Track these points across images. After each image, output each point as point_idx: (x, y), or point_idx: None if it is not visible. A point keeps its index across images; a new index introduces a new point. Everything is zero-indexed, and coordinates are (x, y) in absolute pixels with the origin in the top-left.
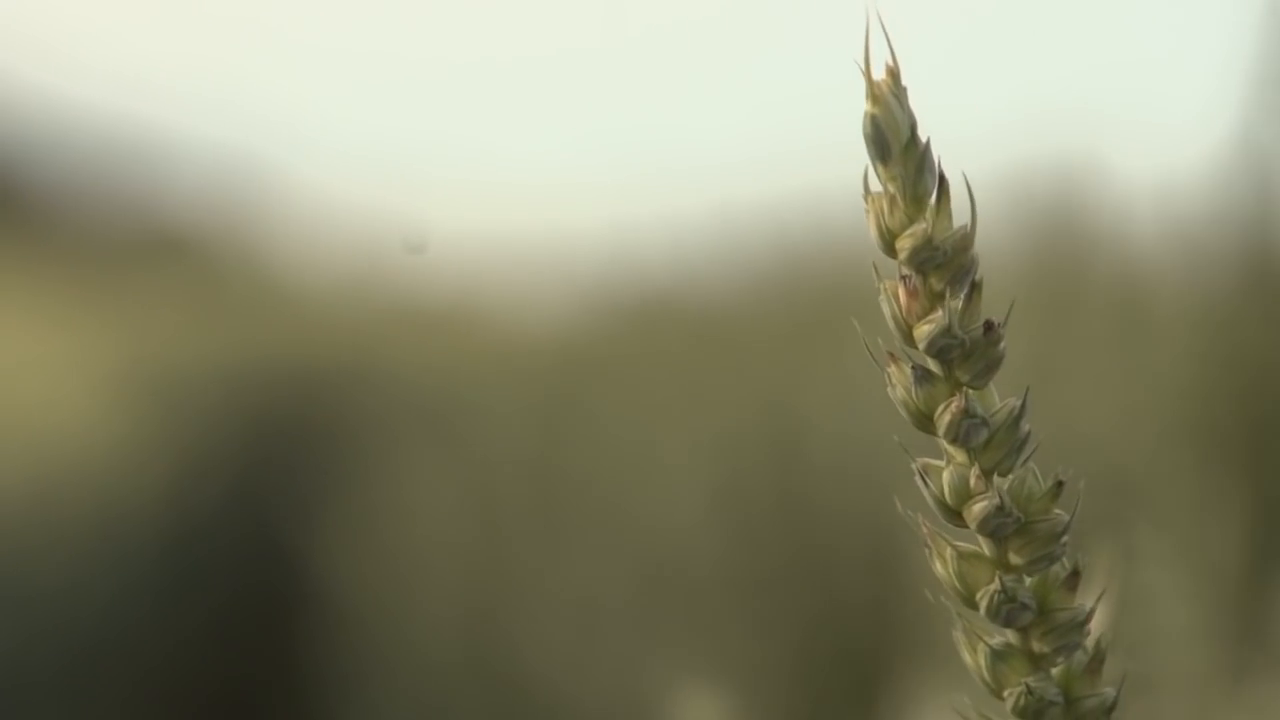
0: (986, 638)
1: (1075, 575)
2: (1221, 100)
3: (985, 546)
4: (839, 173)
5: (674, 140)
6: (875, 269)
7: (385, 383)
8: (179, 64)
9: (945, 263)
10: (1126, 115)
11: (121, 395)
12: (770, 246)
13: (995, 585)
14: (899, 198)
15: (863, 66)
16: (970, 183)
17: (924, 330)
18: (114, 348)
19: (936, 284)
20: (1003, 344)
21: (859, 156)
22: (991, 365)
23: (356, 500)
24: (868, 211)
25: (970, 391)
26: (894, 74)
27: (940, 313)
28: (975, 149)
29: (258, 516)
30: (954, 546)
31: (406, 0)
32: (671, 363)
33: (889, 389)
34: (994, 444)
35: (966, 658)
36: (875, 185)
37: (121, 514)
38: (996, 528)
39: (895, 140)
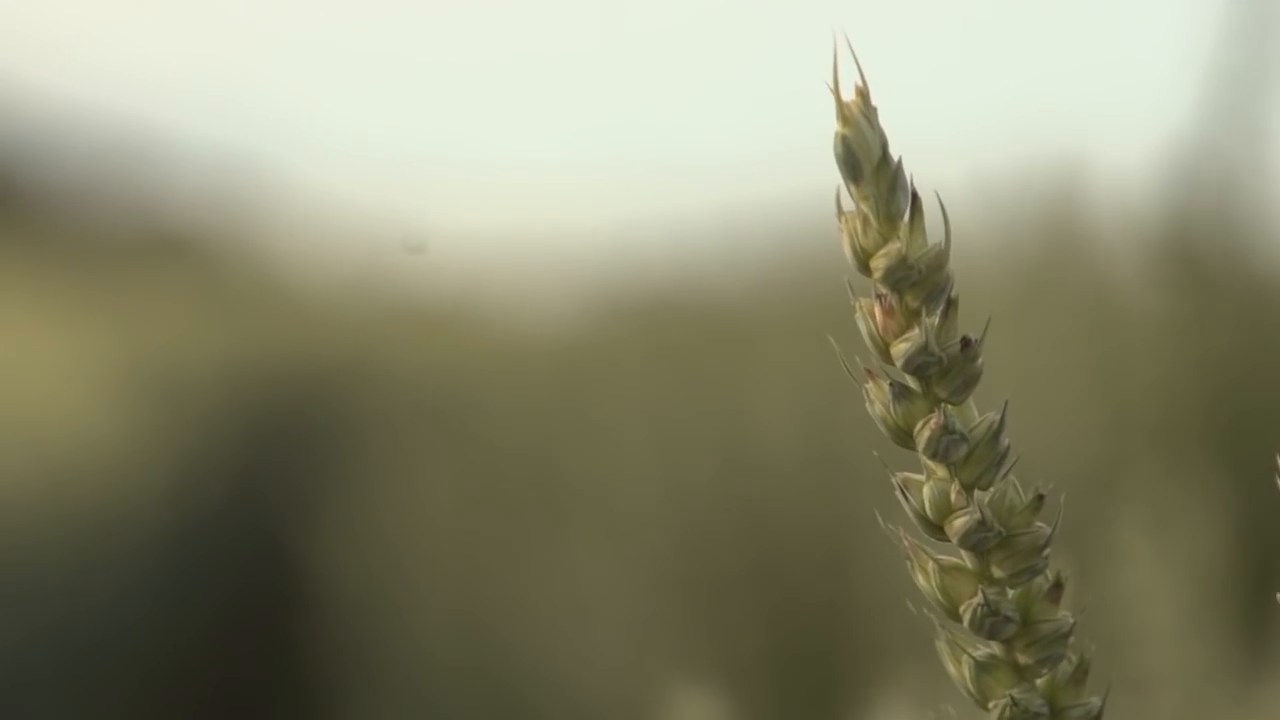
0: (970, 649)
1: (1058, 587)
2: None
3: (967, 560)
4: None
5: (675, 139)
6: (850, 288)
7: (387, 382)
8: (180, 63)
9: (920, 281)
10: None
11: (123, 394)
12: (773, 245)
13: (978, 598)
14: (872, 217)
15: (832, 87)
16: (943, 197)
17: (901, 348)
18: (116, 347)
19: (912, 302)
20: (980, 360)
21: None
22: (969, 381)
23: (358, 499)
24: (841, 231)
25: (949, 407)
26: (863, 94)
27: (917, 330)
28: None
29: (259, 515)
30: (936, 560)
31: (408, 3)
32: (674, 362)
33: (868, 406)
34: (974, 459)
35: (951, 669)
36: (848, 205)
37: (124, 513)
38: (978, 542)
39: (866, 160)
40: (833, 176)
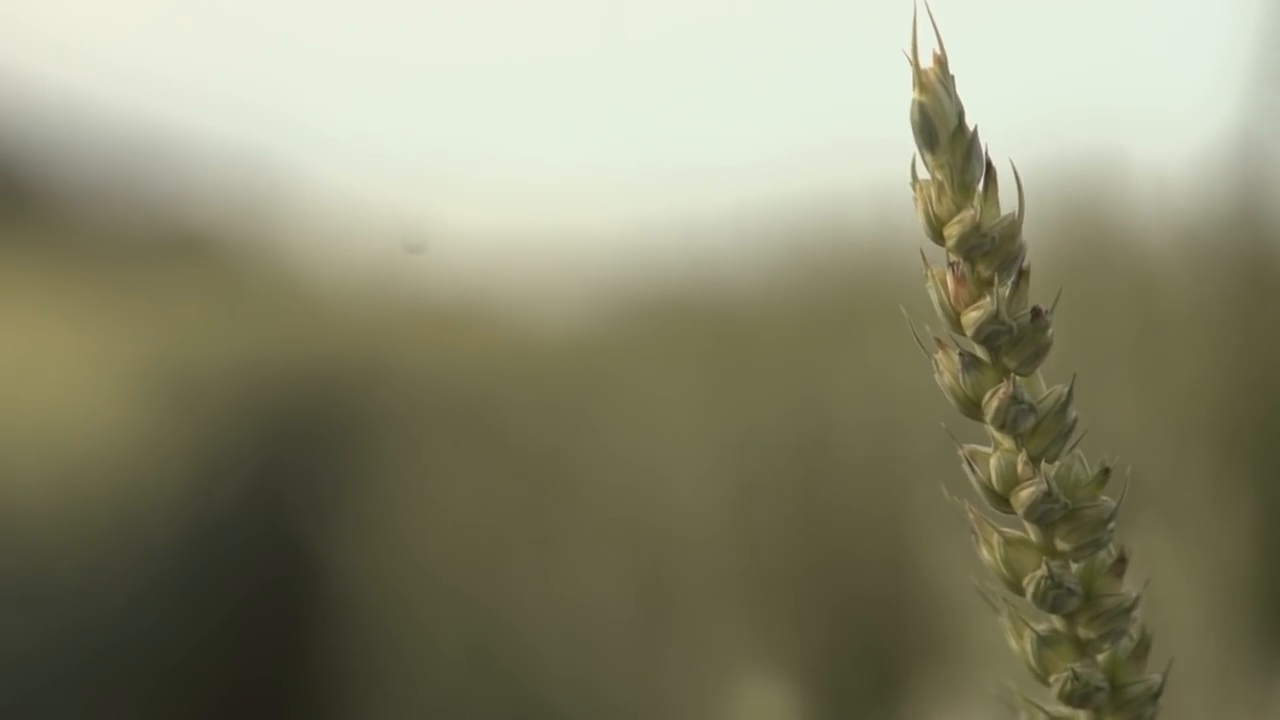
0: (1033, 624)
1: (1121, 562)
2: (1222, 95)
3: (1032, 533)
4: (854, 171)
5: (689, 140)
6: (923, 256)
7: (403, 380)
8: (198, 65)
9: (993, 249)
10: (1129, 111)
11: (139, 394)
12: (786, 244)
13: (1042, 571)
14: (947, 185)
15: (910, 56)
16: (1018, 171)
17: (972, 317)
18: (132, 346)
19: (984, 271)
20: (1050, 331)
21: (873, 155)
22: (1039, 352)
23: (374, 498)
24: (916, 199)
25: (1017, 378)
26: (941, 62)
27: (989, 299)
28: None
29: (275, 515)
30: (1001, 533)
31: (425, 2)
32: (688, 360)
33: (936, 375)
34: (1041, 430)
35: (1012, 644)
36: (923, 173)
37: (140, 513)
38: (1044, 514)
39: (943, 128)
40: (848, 175)
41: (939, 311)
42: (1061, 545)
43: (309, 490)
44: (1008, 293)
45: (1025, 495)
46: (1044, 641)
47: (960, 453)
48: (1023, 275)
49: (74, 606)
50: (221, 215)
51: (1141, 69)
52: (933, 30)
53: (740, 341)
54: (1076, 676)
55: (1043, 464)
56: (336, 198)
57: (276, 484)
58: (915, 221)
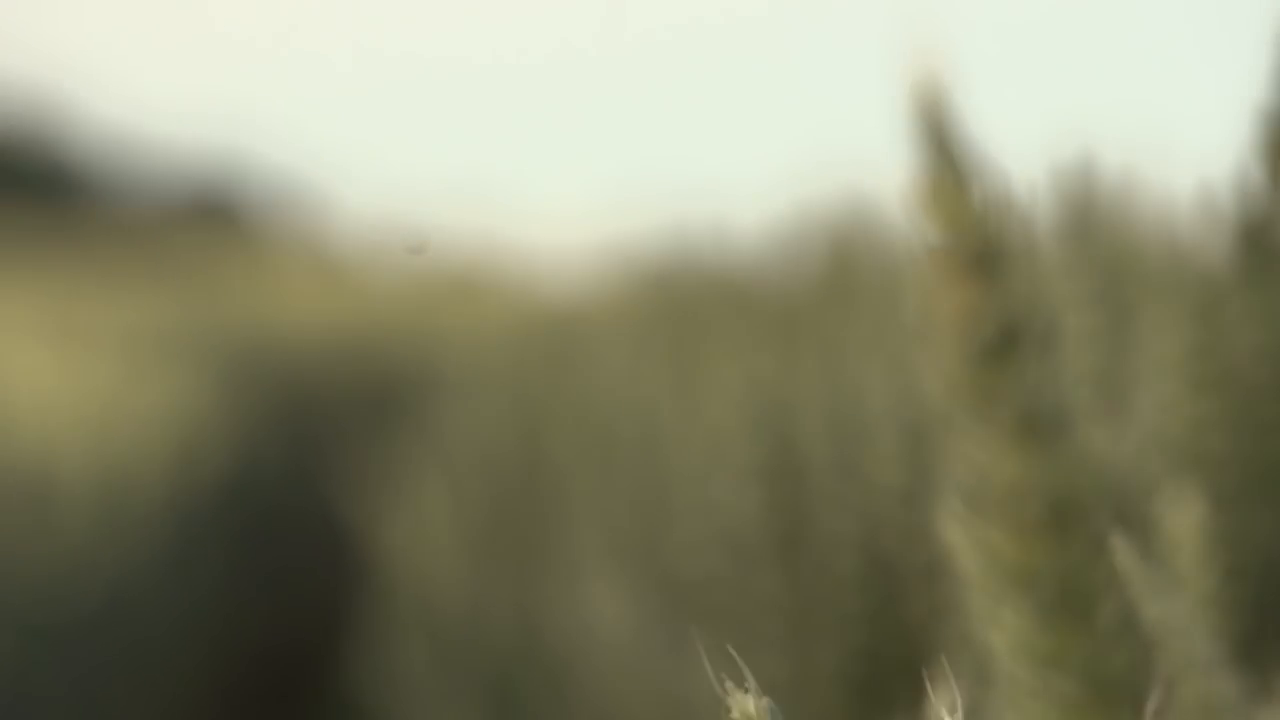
0: (1018, 624)
1: (1115, 565)
2: (1248, 114)
3: (1022, 532)
4: (866, 173)
5: (695, 150)
6: (917, 246)
7: (439, 351)
8: (238, 96)
9: (989, 239)
10: (1156, 126)
11: (175, 369)
12: (802, 242)
13: (1034, 570)
14: (939, 178)
15: (907, 51)
16: (1012, 163)
17: (967, 310)
18: (167, 321)
19: (979, 264)
20: (1046, 324)
21: (884, 158)
22: (1035, 345)
23: (408, 469)
24: (913, 191)
25: (1015, 369)
26: (936, 52)
27: (985, 289)
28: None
29: (311, 483)
30: (994, 528)
31: (444, 16)
32: (709, 345)
33: (930, 369)
34: (1036, 426)
35: (1002, 646)
36: (921, 166)
37: (177, 484)
38: (1036, 512)
39: (936, 121)
40: (861, 177)
41: (934, 302)
42: (1053, 545)
43: (345, 462)
44: (1003, 286)
45: (1022, 488)
46: (1028, 644)
47: (951, 451)
48: (1021, 265)
49: (111, 583)
50: (255, 201)
51: (1171, 80)
52: (935, 34)
53: (760, 334)
54: (1070, 676)
55: (1038, 461)
56: (353, 199)
57: (313, 452)
58: (914, 222)
